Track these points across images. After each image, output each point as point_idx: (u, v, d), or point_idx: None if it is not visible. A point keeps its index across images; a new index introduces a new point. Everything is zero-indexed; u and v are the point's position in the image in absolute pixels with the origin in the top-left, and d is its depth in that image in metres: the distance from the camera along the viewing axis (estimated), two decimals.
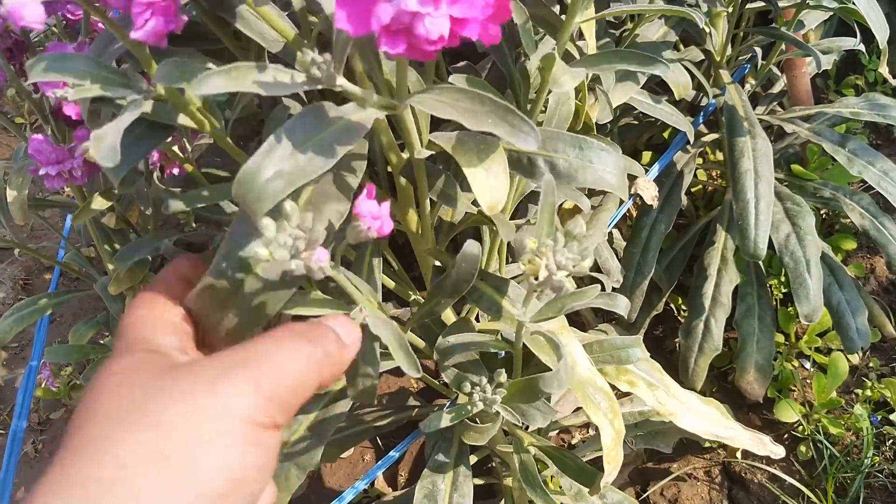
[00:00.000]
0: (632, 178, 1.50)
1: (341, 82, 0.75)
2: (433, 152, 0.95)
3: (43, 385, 1.70)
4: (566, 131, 0.93)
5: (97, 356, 1.31)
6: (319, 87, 0.76)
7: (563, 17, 0.95)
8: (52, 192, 1.34)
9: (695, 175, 1.82)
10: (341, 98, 0.79)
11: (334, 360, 0.62)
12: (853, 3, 1.36)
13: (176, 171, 1.14)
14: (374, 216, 0.72)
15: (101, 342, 1.34)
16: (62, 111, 1.12)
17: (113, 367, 0.56)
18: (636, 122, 1.72)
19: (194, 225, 1.22)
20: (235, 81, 0.71)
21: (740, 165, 1.42)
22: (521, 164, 0.94)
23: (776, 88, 1.81)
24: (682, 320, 1.76)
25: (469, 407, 1.03)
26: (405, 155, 1.00)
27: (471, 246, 0.93)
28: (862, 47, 1.51)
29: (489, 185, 0.87)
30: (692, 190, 2.00)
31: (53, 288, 1.55)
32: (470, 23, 0.66)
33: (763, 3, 1.53)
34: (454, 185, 1.08)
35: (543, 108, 1.12)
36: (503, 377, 1.02)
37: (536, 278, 0.80)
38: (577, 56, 1.01)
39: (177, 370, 0.53)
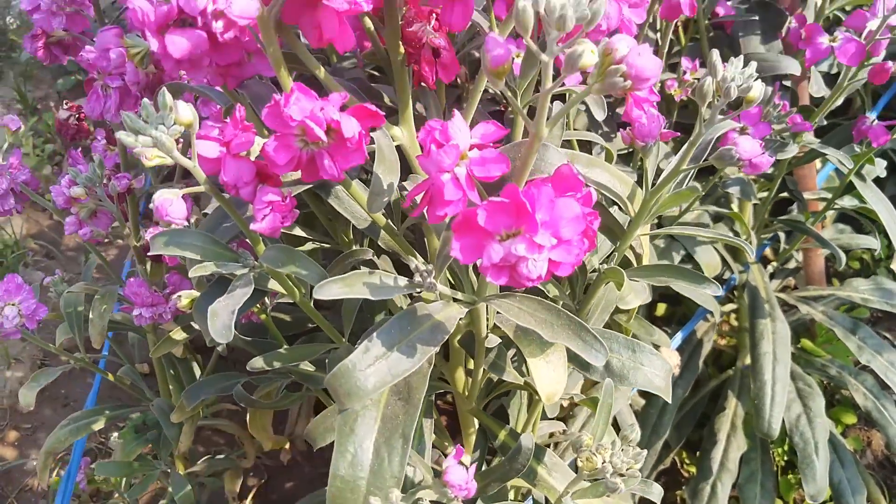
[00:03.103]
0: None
1: (441, 289, 0.85)
2: (500, 339, 1.04)
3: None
4: (620, 334, 1.02)
5: (142, 473, 1.37)
6: (419, 291, 0.85)
7: (625, 227, 1.05)
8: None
9: None
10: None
11: None
12: (870, 205, 1.49)
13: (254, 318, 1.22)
14: (462, 487, 0.79)
15: (148, 457, 1.40)
16: (148, 248, 1.21)
17: None
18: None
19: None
20: (350, 288, 0.81)
21: (760, 347, 1.52)
22: (578, 358, 1.03)
23: (791, 264, 1.93)
24: (686, 474, 1.83)
25: None
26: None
27: (526, 440, 1.01)
28: (877, 246, 1.63)
29: (550, 378, 0.96)
30: None
31: (94, 395, 1.62)
32: (563, 265, 0.76)
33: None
34: (504, 357, 1.16)
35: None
36: None
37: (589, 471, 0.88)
38: (633, 260, 1.11)
39: None
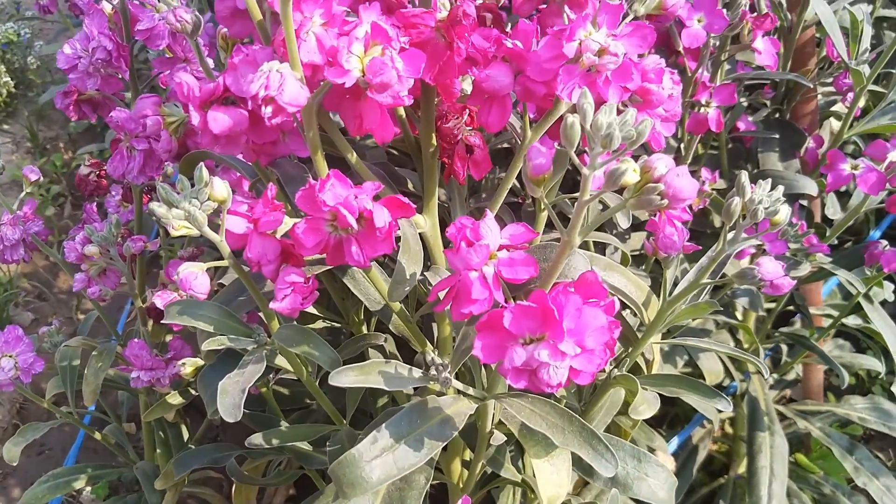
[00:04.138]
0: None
1: (456, 385, 0.84)
2: (505, 437, 1.02)
3: None
4: (626, 442, 1.01)
5: None
6: (431, 383, 0.84)
7: (636, 330, 1.05)
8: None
9: None
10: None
11: None
12: (877, 328, 1.49)
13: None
14: None
15: None
16: (155, 311, 1.20)
17: None
18: None
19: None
20: (366, 377, 0.80)
21: (757, 460, 1.50)
22: (581, 463, 1.02)
23: (790, 375, 1.92)
24: None
25: None
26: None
27: None
28: (881, 368, 1.62)
29: (553, 481, 0.94)
30: None
31: (75, 453, 1.59)
32: (583, 373, 0.75)
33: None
34: (504, 452, 1.14)
35: None
36: None
37: None
38: (643, 367, 1.11)
39: None
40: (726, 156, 1.54)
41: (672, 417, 2.02)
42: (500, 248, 0.78)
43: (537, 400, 0.87)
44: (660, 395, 2.04)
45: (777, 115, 1.55)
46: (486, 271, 0.76)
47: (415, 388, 1.21)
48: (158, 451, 1.32)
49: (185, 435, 1.41)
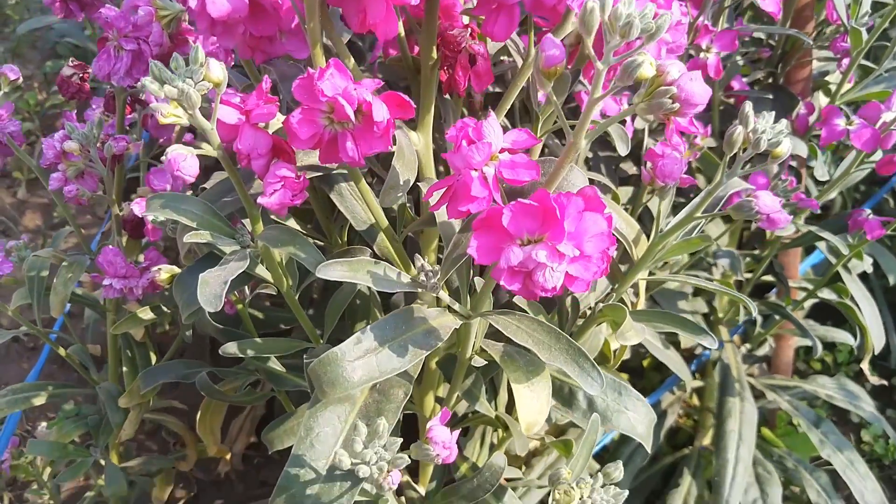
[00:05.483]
0: None
1: (442, 295, 0.82)
2: (486, 361, 1.01)
3: None
4: (607, 373, 0.99)
5: (77, 459, 1.29)
6: (419, 290, 0.82)
7: (624, 271, 1.04)
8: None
9: None
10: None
11: None
12: (853, 304, 1.50)
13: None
14: (446, 445, 0.78)
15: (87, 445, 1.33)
16: (132, 222, 1.17)
17: None
18: None
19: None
20: (354, 273, 0.77)
21: (726, 424, 1.50)
22: (561, 393, 1.01)
23: (761, 351, 1.93)
24: None
25: None
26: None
27: (498, 459, 0.97)
28: (854, 343, 1.63)
29: (532, 407, 0.92)
30: None
31: (39, 369, 1.55)
32: (579, 280, 0.73)
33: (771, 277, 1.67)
34: (480, 386, 1.13)
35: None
36: None
37: None
38: (629, 304, 1.10)
39: None
40: (718, 116, 1.53)
41: (640, 390, 2.02)
42: (502, 150, 0.76)
43: (524, 317, 0.86)
44: (628, 372, 2.04)
45: (771, 80, 1.55)
46: (486, 171, 0.74)
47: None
48: (125, 368, 1.28)
49: (154, 359, 1.37)
